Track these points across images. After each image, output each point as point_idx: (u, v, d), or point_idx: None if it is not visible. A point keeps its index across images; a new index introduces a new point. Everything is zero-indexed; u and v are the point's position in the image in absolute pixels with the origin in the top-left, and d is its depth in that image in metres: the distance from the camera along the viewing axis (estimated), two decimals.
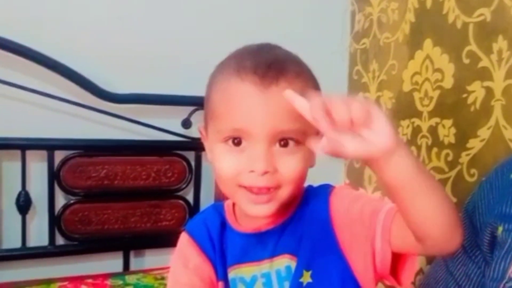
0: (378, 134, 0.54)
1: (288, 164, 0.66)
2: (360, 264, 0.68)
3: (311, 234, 0.71)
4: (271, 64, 0.66)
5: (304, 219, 0.72)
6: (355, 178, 1.66)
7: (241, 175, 0.67)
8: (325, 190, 0.74)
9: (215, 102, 0.69)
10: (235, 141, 0.67)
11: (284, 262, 0.72)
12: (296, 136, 0.66)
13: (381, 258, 0.66)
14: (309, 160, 0.70)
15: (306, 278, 0.70)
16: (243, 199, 0.68)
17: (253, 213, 0.69)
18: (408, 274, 0.68)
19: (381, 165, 0.56)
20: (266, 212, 0.68)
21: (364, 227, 0.67)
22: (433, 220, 0.58)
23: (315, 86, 0.71)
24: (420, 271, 1.32)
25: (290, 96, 0.57)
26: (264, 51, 0.70)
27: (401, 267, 0.68)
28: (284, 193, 0.68)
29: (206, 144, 0.75)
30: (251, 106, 0.65)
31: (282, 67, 0.65)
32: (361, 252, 0.68)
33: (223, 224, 0.78)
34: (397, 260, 0.68)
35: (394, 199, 0.59)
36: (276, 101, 0.63)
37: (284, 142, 0.67)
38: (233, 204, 0.78)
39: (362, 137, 0.54)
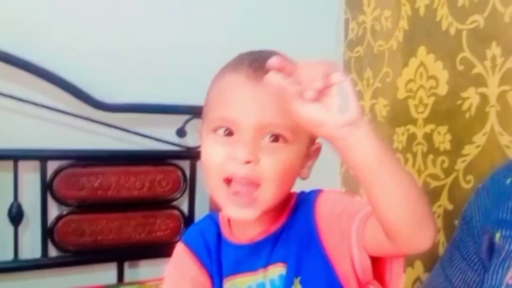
0: (337, 106, 0.53)
1: (272, 159, 0.65)
2: (343, 271, 0.67)
3: (298, 240, 0.70)
4: (267, 59, 0.65)
5: (294, 226, 0.72)
6: (351, 186, 1.65)
7: (224, 165, 0.66)
8: (312, 195, 0.73)
9: (210, 95, 0.71)
10: (226, 132, 0.67)
11: (278, 271, 0.71)
12: (285, 134, 0.66)
13: (360, 265, 0.65)
14: (297, 164, 0.69)
15: (296, 285, 0.69)
16: (224, 197, 0.67)
17: (236, 216, 0.69)
18: (395, 279, 0.67)
19: (342, 144, 0.55)
20: (249, 216, 0.67)
21: (341, 234, 0.66)
22: (400, 207, 0.56)
23: None
24: (418, 279, 1.31)
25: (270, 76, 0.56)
26: (265, 51, 0.70)
27: (388, 275, 0.67)
28: (265, 193, 0.66)
29: (201, 148, 0.75)
30: (242, 96, 0.66)
31: None
32: (342, 258, 0.67)
33: (219, 235, 0.77)
34: (383, 265, 0.67)
35: (360, 183, 0.58)
36: (267, 94, 0.62)
37: (274, 137, 0.66)
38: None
39: (324, 105, 0.54)
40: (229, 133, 0.67)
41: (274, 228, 0.72)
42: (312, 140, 0.71)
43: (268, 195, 0.67)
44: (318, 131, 0.56)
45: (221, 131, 0.67)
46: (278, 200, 0.69)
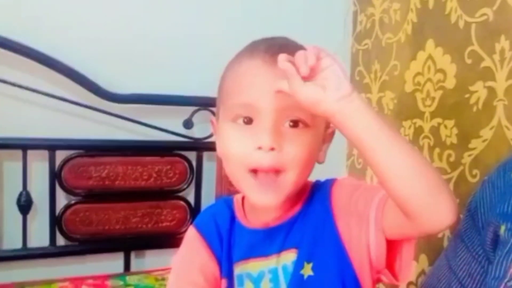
0: (332, 86, 0.59)
1: (295, 145, 0.66)
2: (357, 257, 0.68)
3: (313, 226, 0.71)
4: (282, 45, 0.67)
5: (309, 213, 0.72)
6: (357, 179, 1.65)
7: (249, 156, 0.66)
8: (328, 183, 0.74)
9: (227, 83, 0.71)
10: (245, 120, 0.67)
11: (291, 257, 0.71)
12: (305, 118, 0.67)
13: (376, 250, 0.65)
14: (316, 148, 0.70)
15: (307, 270, 0.70)
16: (250, 186, 0.68)
17: (260, 202, 0.69)
18: (405, 271, 0.67)
19: (341, 118, 0.59)
20: (272, 201, 0.68)
21: (358, 218, 0.66)
22: (408, 176, 0.57)
23: None
24: (422, 272, 1.31)
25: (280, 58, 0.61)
26: (278, 37, 0.72)
27: (397, 264, 0.67)
28: (289, 179, 0.67)
29: (216, 137, 0.75)
30: (260, 81, 0.66)
31: (294, 49, 0.64)
32: (357, 244, 0.67)
33: (233, 219, 0.78)
34: (394, 258, 0.67)
35: (364, 158, 0.60)
36: (285, 78, 0.62)
37: (293, 122, 0.67)
38: (242, 199, 0.78)
39: (320, 86, 0.59)
40: (249, 121, 0.67)
41: (290, 215, 0.73)
42: (327, 123, 0.72)
43: (292, 181, 0.68)
44: (317, 109, 0.60)
45: (240, 120, 0.68)
46: (300, 185, 0.70)
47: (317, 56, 0.60)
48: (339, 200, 0.70)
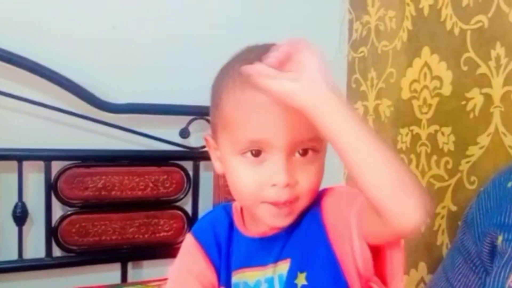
0: (307, 78, 0.59)
1: (308, 175, 0.67)
2: (345, 266, 0.67)
3: (305, 236, 0.70)
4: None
5: (302, 223, 0.72)
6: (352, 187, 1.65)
7: (263, 190, 0.66)
8: (321, 192, 0.73)
9: (229, 112, 0.68)
10: (253, 152, 0.66)
11: (287, 267, 0.71)
12: (314, 145, 0.66)
13: (361, 257, 0.64)
14: (324, 166, 0.70)
15: (301, 280, 0.69)
16: (266, 214, 0.68)
17: (274, 225, 0.70)
18: (396, 279, 0.66)
19: (316, 113, 0.59)
20: (286, 223, 0.69)
21: (343, 224, 0.66)
22: (379, 172, 0.57)
23: None
24: (421, 280, 1.30)
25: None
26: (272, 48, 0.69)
27: (388, 273, 0.66)
28: (302, 204, 0.68)
29: (213, 154, 0.74)
30: (270, 116, 0.64)
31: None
32: (344, 250, 0.66)
33: (231, 226, 0.77)
34: (383, 266, 0.66)
35: (338, 153, 0.59)
36: (294, 110, 0.61)
37: (303, 151, 0.66)
38: (241, 208, 0.77)
39: (294, 78, 0.59)
40: (257, 152, 0.66)
41: (287, 224, 0.72)
42: None
43: (305, 205, 0.69)
44: (292, 102, 0.60)
45: (249, 153, 0.66)
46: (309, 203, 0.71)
47: (295, 49, 0.60)
48: (328, 208, 0.70)
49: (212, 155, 0.74)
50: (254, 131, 0.65)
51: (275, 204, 0.66)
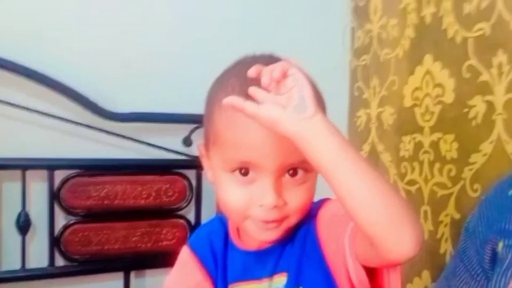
0: (293, 105, 0.57)
1: (297, 195, 0.66)
2: (340, 281, 0.67)
3: (301, 249, 0.70)
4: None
5: (298, 236, 0.72)
6: None
7: (251, 209, 0.66)
8: (317, 204, 0.73)
9: (220, 130, 0.67)
10: (243, 171, 0.66)
11: (282, 281, 0.71)
12: (304, 165, 0.65)
13: (356, 276, 0.64)
14: (315, 183, 0.69)
15: None
16: (253, 228, 0.68)
17: (261, 239, 0.69)
18: None
19: (301, 140, 0.57)
20: (273, 237, 0.69)
21: (336, 243, 0.65)
22: (368, 204, 0.55)
23: (322, 104, 0.68)
24: None
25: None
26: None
27: (385, 285, 0.66)
28: (291, 221, 0.68)
29: (206, 163, 0.74)
30: (260, 138, 0.63)
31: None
32: (338, 268, 0.66)
33: (226, 238, 0.77)
34: (381, 277, 0.65)
35: (328, 184, 0.57)
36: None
37: (293, 171, 0.66)
38: None
39: (280, 104, 0.57)
40: (246, 171, 0.66)
41: (282, 238, 0.72)
42: None
43: (294, 222, 0.68)
44: (277, 128, 0.58)
45: (237, 172, 0.66)
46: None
47: (284, 72, 0.58)
48: (323, 222, 0.70)
49: (205, 164, 0.75)
50: (244, 152, 0.64)
51: (263, 221, 0.66)
